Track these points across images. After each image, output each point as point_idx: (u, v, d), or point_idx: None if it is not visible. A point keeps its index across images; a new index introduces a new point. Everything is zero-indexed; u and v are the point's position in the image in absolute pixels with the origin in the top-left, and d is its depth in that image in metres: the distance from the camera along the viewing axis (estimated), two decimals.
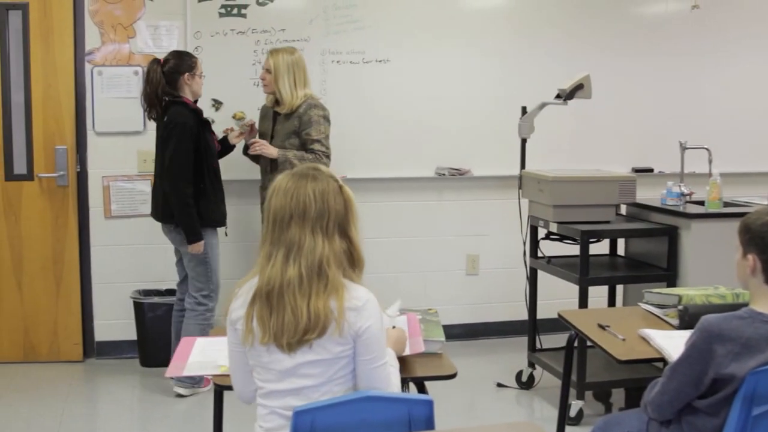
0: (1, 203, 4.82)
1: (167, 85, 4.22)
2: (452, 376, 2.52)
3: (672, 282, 4.14)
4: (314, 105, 4.42)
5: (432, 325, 2.78)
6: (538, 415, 4.27)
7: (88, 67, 4.82)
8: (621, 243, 4.66)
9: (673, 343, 2.61)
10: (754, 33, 5.62)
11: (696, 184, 4.52)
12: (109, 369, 4.85)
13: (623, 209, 4.58)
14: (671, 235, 4.16)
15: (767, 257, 2.29)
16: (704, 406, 2.31)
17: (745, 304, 2.39)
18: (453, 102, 5.19)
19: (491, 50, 5.23)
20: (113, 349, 4.99)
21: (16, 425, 4.05)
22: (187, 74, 4.27)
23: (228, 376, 2.37)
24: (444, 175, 5.22)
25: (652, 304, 3.10)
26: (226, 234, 4.54)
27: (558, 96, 4.48)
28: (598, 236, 4.28)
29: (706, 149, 4.42)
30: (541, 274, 4.51)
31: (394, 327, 2.56)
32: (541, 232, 4.47)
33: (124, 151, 4.88)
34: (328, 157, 4.40)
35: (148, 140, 4.62)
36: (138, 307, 4.77)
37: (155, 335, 4.73)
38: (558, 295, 4.69)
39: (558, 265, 4.32)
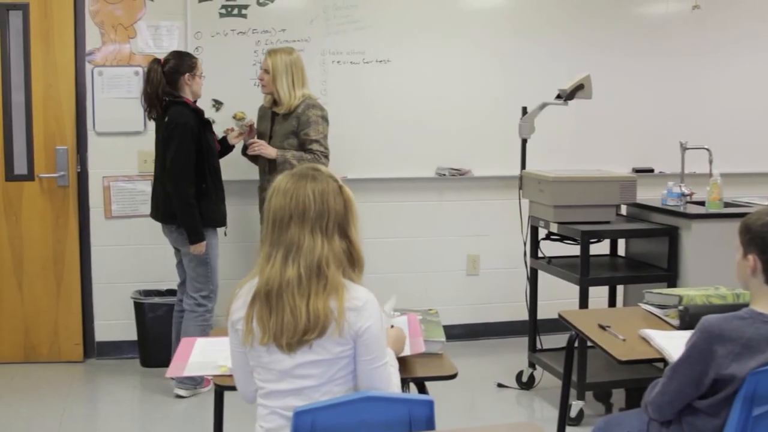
0: (1, 203, 4.82)
1: (168, 85, 4.22)
2: (453, 377, 2.52)
3: (672, 282, 4.14)
4: (312, 105, 4.42)
5: (432, 326, 2.78)
6: (538, 416, 4.27)
7: (88, 67, 4.82)
8: (621, 243, 4.66)
9: (673, 344, 2.61)
10: (755, 33, 5.62)
11: (696, 184, 4.52)
12: (110, 369, 4.85)
13: (624, 209, 4.58)
14: (672, 235, 4.16)
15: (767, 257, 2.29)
16: (705, 407, 2.31)
17: (746, 305, 2.39)
18: (453, 102, 5.19)
19: (492, 50, 5.23)
20: (114, 350, 4.99)
21: (17, 425, 4.05)
22: (187, 74, 4.27)
23: (228, 376, 2.37)
24: (444, 175, 5.22)
25: (652, 305, 3.10)
26: (225, 234, 4.54)
27: (558, 96, 4.48)
28: (599, 236, 4.28)
29: (707, 149, 4.42)
30: (541, 274, 4.51)
31: (392, 326, 2.55)
32: (542, 233, 4.47)
33: (124, 151, 4.89)
34: (326, 157, 4.40)
35: (148, 140, 4.62)
36: (138, 307, 4.77)
37: (156, 335, 4.73)
38: (558, 296, 4.69)
39: (558, 266, 4.32)
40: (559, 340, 4.05)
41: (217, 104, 4.89)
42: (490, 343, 5.37)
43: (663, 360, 2.64)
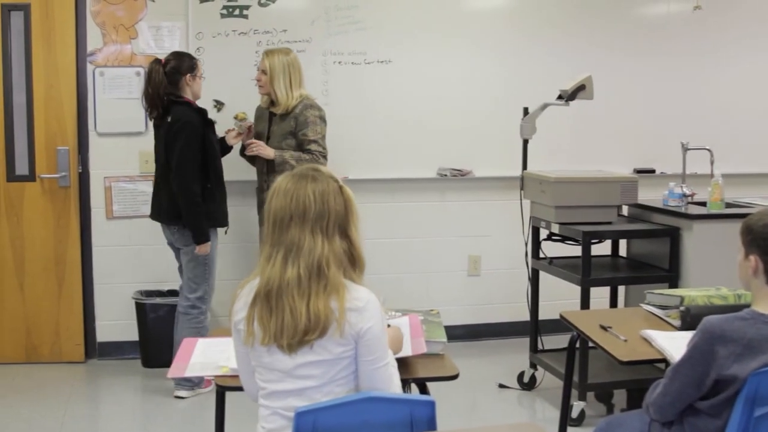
0: (3, 204, 4.83)
1: (169, 86, 4.22)
2: (454, 377, 2.52)
3: (674, 283, 4.13)
4: (310, 105, 4.42)
5: (434, 326, 2.77)
6: (539, 416, 4.27)
7: (89, 67, 4.82)
8: (623, 244, 4.65)
9: (675, 344, 2.61)
10: (755, 33, 5.62)
11: (698, 185, 4.51)
12: (111, 370, 4.85)
13: (625, 210, 4.58)
14: (673, 236, 4.16)
15: None
16: (706, 408, 2.31)
17: (747, 305, 2.39)
18: (454, 102, 5.19)
19: (492, 51, 5.23)
20: (115, 350, 4.99)
21: (18, 426, 4.05)
22: (188, 75, 4.27)
23: (230, 376, 2.37)
24: (446, 175, 5.22)
25: (653, 305, 3.10)
26: (225, 232, 4.54)
27: (560, 97, 4.48)
28: (600, 237, 4.28)
29: (708, 150, 4.42)
30: (542, 275, 4.51)
31: (389, 326, 2.55)
32: (543, 233, 4.47)
33: (125, 151, 4.89)
34: (324, 157, 4.40)
35: (149, 141, 4.61)
36: (140, 307, 4.77)
37: (157, 336, 4.72)
38: (560, 296, 4.70)
39: (560, 266, 4.32)
40: (561, 340, 4.04)
41: (219, 105, 4.89)
42: (492, 343, 5.37)
43: (664, 361, 2.64)
